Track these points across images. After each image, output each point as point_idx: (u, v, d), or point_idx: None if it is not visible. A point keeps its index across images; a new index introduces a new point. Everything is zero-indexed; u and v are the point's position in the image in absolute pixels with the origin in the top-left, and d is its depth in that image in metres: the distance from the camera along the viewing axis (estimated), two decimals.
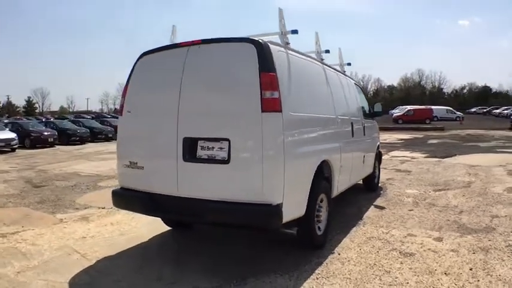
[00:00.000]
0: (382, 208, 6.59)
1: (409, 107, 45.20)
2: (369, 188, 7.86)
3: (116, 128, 24.34)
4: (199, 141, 3.85)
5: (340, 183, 5.39)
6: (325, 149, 4.76)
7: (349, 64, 6.97)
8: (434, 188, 8.13)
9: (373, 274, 3.88)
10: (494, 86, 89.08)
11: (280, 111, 3.61)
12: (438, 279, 3.74)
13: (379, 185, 8.37)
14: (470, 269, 3.96)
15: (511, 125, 29.96)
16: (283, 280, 3.74)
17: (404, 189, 8.17)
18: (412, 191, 7.90)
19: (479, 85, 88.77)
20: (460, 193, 7.54)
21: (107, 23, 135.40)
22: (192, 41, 4.10)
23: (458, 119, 46.80)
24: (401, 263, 4.16)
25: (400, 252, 4.46)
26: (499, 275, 3.80)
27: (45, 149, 19.92)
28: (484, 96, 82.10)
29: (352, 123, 6.06)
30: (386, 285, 3.64)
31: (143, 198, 4.16)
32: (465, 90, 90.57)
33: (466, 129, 30.20)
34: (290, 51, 4.29)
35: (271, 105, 3.55)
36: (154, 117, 4.20)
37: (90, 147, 20.08)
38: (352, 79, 7.37)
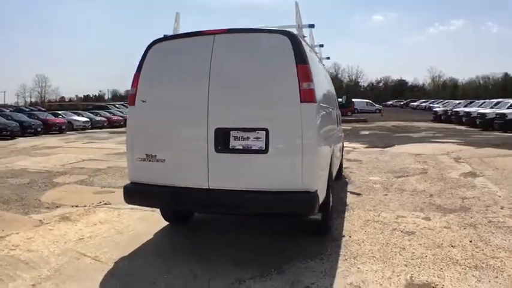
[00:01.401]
0: (358, 194, 7.18)
1: None
2: (336, 177, 8.42)
3: (44, 121, 22.81)
4: (231, 132, 3.96)
5: (333, 171, 5.84)
6: (332, 138, 5.18)
7: (321, 46, 7.09)
8: (394, 175, 8.96)
9: (391, 251, 4.36)
10: (410, 79, 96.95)
11: (316, 101, 3.91)
12: (449, 251, 4.34)
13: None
14: (470, 241, 4.63)
15: (433, 117, 33.15)
16: (316, 264, 4.06)
17: (367, 176, 8.90)
18: (375, 178, 8.65)
19: (395, 79, 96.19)
20: (420, 179, 8.43)
21: (20, 10, 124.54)
22: (218, 30, 4.18)
23: (377, 111, 50.51)
24: (409, 240, 4.71)
25: (402, 232, 5.01)
26: (497, 245, 4.51)
27: None
28: (399, 90, 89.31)
29: (337, 114, 6.57)
30: (409, 259, 4.14)
31: (165, 192, 4.14)
32: (381, 84, 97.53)
33: (389, 121, 32.83)
34: (306, 44, 4.59)
35: (308, 96, 3.83)
36: (177, 108, 4.20)
37: (23, 142, 18.41)
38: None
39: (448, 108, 32.67)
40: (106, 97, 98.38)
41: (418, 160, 11.02)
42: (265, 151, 3.86)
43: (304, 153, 3.80)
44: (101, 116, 32.69)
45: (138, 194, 4.38)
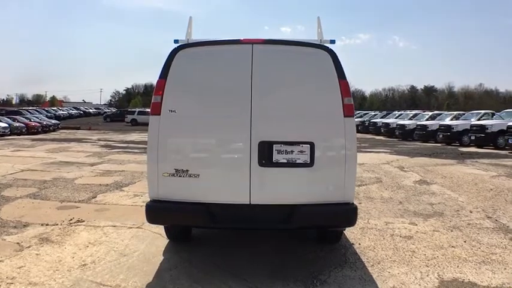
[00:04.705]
0: None
1: None
2: None
3: None
4: (274, 145, 4.18)
5: None
6: None
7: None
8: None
9: (405, 255, 5.00)
10: None
11: (354, 116, 4.37)
12: (453, 251, 5.11)
13: None
14: (465, 241, 5.47)
15: None
16: (349, 272, 4.50)
17: None
18: None
19: None
20: (381, 187, 9.37)
21: None
22: (255, 39, 4.33)
23: None
24: (413, 244, 5.40)
25: (400, 237, 5.70)
26: (488, 243, 5.41)
27: None
28: None
29: None
30: (425, 260, 4.82)
31: (200, 210, 4.15)
32: None
33: None
34: None
35: (350, 111, 4.24)
36: (215, 119, 4.25)
37: None
38: None
39: (366, 119, 35.62)
40: (14, 101, 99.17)
41: (366, 169, 12.06)
42: (310, 164, 4.17)
43: (346, 167, 4.20)
44: (19, 122, 31.98)
45: (166, 212, 4.32)
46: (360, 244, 5.39)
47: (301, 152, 4.18)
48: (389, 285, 4.16)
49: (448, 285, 4.16)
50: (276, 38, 4.50)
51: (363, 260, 4.82)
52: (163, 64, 4.36)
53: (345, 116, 4.21)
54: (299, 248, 5.29)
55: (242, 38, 4.39)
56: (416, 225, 6.29)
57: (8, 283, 4.22)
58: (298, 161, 4.18)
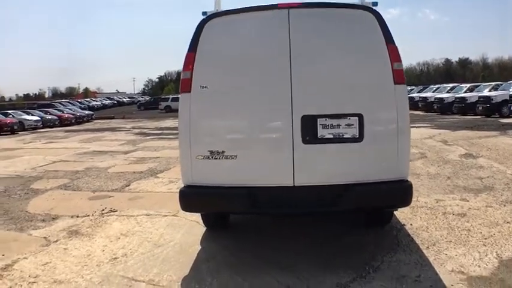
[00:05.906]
0: None
1: None
2: None
3: None
4: (319, 119, 3.75)
5: None
6: None
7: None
8: None
9: (461, 234, 4.61)
10: None
11: (405, 82, 3.89)
12: (509, 227, 4.73)
13: None
14: None
15: None
16: (404, 256, 4.09)
17: None
18: None
19: None
20: (426, 163, 8.91)
21: None
22: (292, 3, 3.87)
23: None
24: (467, 221, 5.00)
25: (453, 214, 5.30)
26: None
27: None
28: None
29: None
30: (482, 239, 4.43)
31: (240, 195, 3.78)
32: None
33: None
34: None
35: (400, 77, 3.77)
36: (252, 93, 3.87)
37: None
38: None
39: None
40: (46, 95, 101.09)
41: None
42: (359, 139, 3.73)
43: (399, 140, 3.75)
44: (51, 114, 32.79)
45: (202, 199, 3.99)
46: (411, 225, 4.99)
47: (349, 125, 3.74)
48: (448, 268, 3.78)
49: (508, 264, 3.79)
50: (314, 1, 4.05)
51: (417, 242, 4.44)
52: (191, 37, 3.95)
53: (395, 83, 3.73)
54: (345, 233, 4.88)
55: (277, 3, 3.91)
56: (468, 201, 5.85)
57: (30, 282, 3.91)
58: (345, 136, 3.74)
